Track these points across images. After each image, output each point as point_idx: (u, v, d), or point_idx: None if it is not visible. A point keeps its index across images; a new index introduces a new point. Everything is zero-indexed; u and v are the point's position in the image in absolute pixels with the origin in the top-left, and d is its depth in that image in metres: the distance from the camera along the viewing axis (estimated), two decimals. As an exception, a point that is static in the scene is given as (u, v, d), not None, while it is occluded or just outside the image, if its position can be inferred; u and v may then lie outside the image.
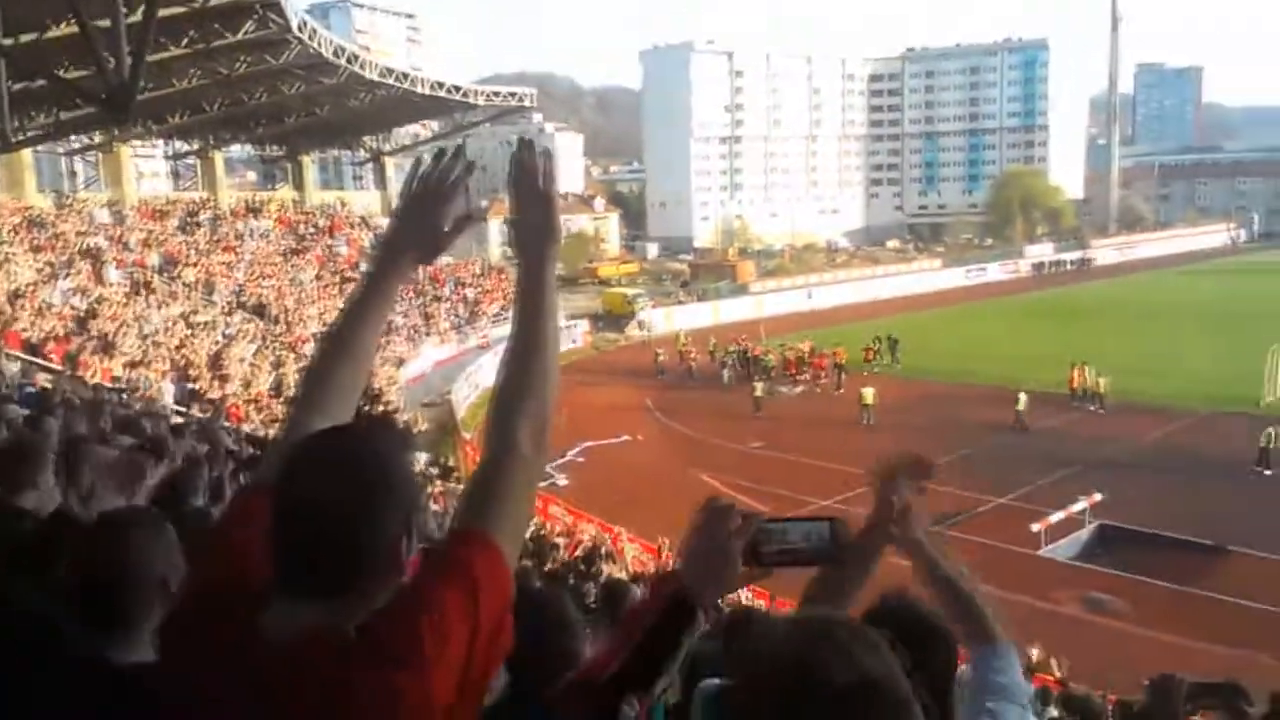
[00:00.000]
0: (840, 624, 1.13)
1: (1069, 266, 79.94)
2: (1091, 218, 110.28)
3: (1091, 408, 30.37)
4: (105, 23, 12.37)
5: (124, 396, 15.45)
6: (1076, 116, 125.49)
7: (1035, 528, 19.01)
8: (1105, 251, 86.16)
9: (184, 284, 31.03)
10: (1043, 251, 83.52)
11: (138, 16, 13.35)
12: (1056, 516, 19.41)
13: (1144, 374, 33.03)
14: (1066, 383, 31.56)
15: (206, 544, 1.64)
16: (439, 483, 19.19)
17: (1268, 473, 22.92)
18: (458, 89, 41.88)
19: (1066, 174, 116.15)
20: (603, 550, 16.25)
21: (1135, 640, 14.86)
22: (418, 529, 1.40)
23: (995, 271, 74.71)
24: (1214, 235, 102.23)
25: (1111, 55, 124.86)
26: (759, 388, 33.10)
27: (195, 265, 32.84)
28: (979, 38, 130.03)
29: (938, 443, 25.92)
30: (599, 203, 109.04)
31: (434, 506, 13.99)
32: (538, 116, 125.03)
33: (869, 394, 30.31)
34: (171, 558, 1.99)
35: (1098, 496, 20.18)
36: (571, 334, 48.26)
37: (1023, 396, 29.16)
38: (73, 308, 23.95)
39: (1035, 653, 12.62)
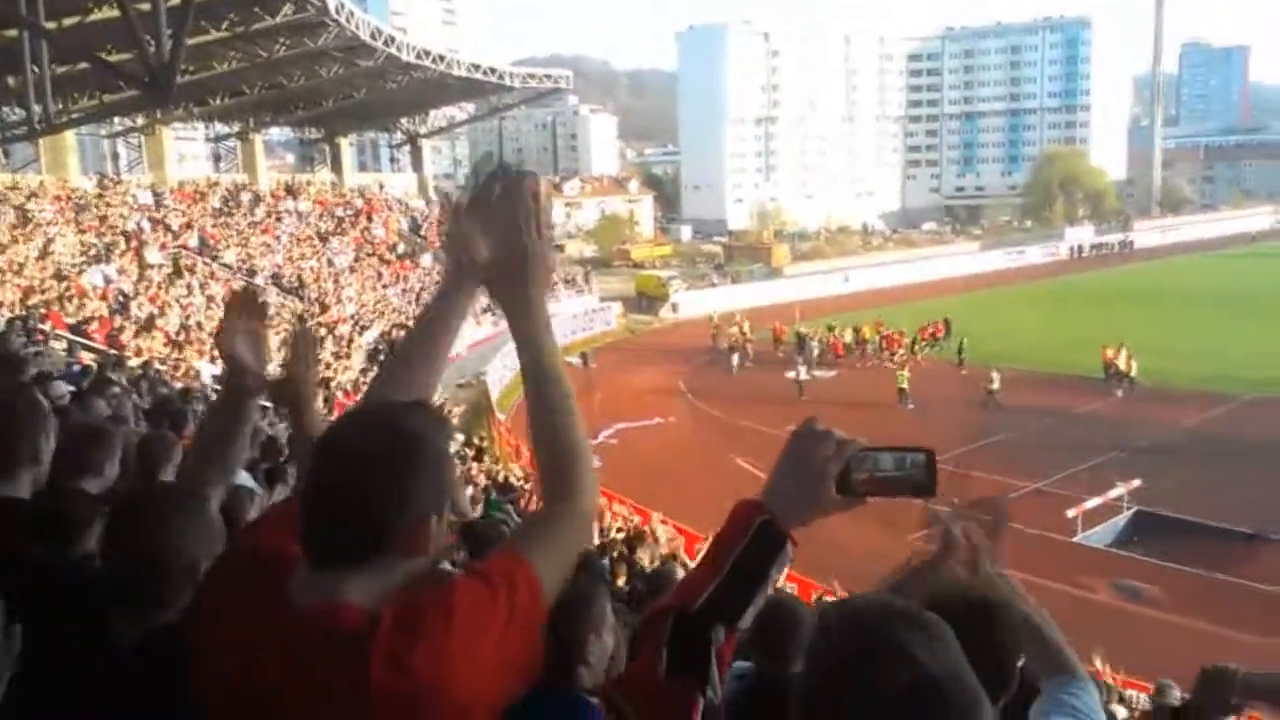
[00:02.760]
0: (899, 616, 1.05)
1: (1111, 249, 78.56)
2: (1134, 199, 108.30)
3: (1120, 391, 29.98)
4: (145, 6, 12.55)
5: (161, 375, 15.73)
6: (1119, 96, 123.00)
7: (1071, 514, 18.80)
8: (1148, 234, 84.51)
9: (223, 265, 31.46)
10: (1083, 234, 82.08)
11: (177, 0, 13.52)
12: (1093, 503, 19.18)
13: (1184, 358, 32.51)
14: (1103, 366, 31.12)
15: (265, 512, 1.69)
16: (473, 464, 19.36)
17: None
18: (493, 71, 41.90)
19: (1108, 155, 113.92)
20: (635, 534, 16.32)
21: (1168, 628, 14.69)
22: (447, 511, 1.43)
23: (1035, 254, 73.52)
24: (1259, 217, 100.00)
25: (1155, 33, 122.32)
26: (801, 371, 32.96)
27: (235, 246, 33.28)
28: (1020, 16, 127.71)
29: (976, 427, 25.82)
30: (633, 185, 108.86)
31: (468, 489, 14.09)
32: (572, 98, 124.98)
33: (903, 377, 30.23)
34: (206, 540, 1.96)
35: (1135, 482, 19.91)
36: (605, 316, 48.40)
37: (995, 375, 29.21)
38: (115, 288, 24.39)
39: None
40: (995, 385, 29.08)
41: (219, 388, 2.19)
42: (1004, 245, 76.77)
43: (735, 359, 37.42)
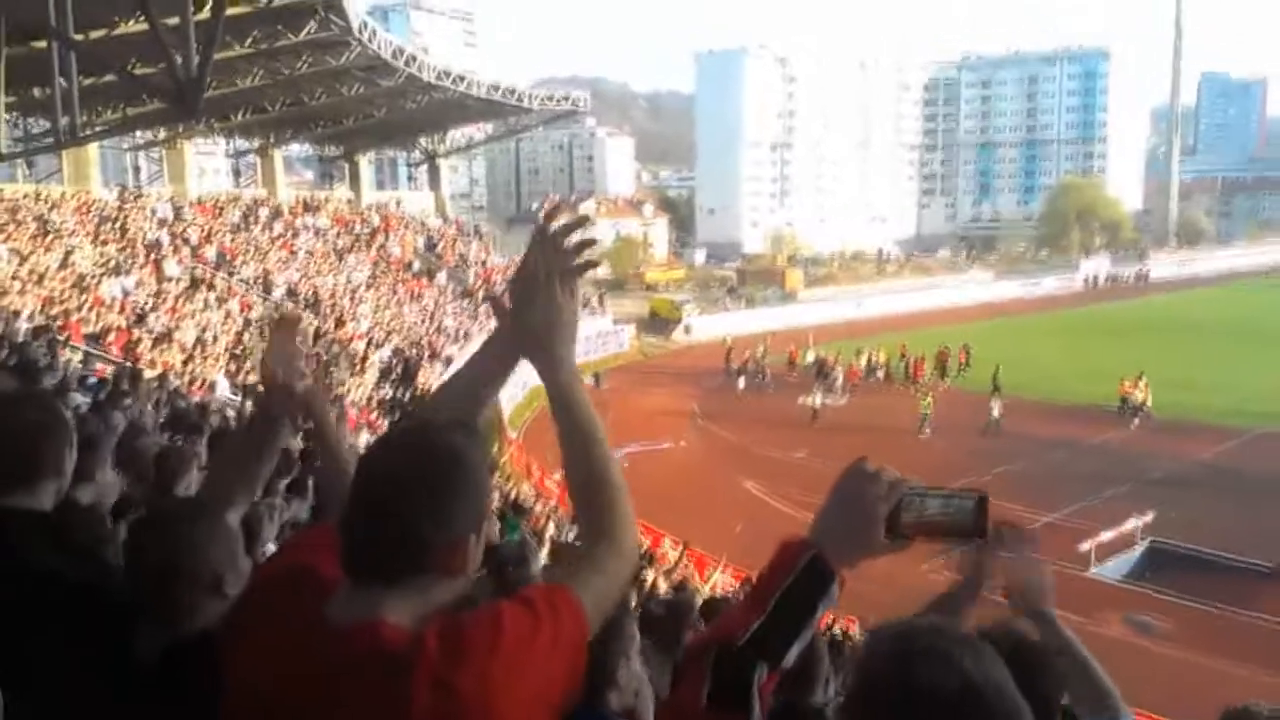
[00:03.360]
0: (944, 631, 1.10)
1: (1126, 280, 78.28)
2: (1151, 230, 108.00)
3: (1134, 422, 29.81)
4: (174, 20, 12.69)
5: (178, 388, 15.80)
6: (1137, 127, 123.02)
7: (1084, 546, 18.64)
8: (1164, 265, 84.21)
9: (241, 280, 31.65)
10: (1099, 264, 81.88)
11: (205, 14, 13.68)
12: (1107, 535, 19.03)
13: (1199, 390, 32.32)
14: (1119, 397, 30.95)
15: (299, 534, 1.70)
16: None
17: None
18: (512, 92, 42.19)
19: (1125, 186, 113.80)
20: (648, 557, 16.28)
21: (1182, 664, 14.52)
22: (485, 531, 1.45)
23: (1050, 284, 73.33)
24: (1276, 251, 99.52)
25: (1174, 64, 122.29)
26: (817, 396, 32.92)
27: (252, 261, 33.50)
28: (1038, 46, 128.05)
29: (990, 456, 25.69)
30: (648, 208, 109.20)
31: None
32: (590, 120, 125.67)
33: (926, 404, 30.17)
34: (225, 554, 1.95)
35: (1149, 515, 19.76)
36: (619, 338, 48.46)
37: (994, 404, 29.55)
38: (132, 300, 24.56)
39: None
40: (996, 414, 29.18)
41: (251, 406, 2.24)
42: (1019, 274, 76.64)
43: (742, 381, 37.38)
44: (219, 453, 4.54)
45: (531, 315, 1.66)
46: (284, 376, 2.09)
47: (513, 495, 18.02)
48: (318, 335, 26.45)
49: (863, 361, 38.14)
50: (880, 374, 38.31)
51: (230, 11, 19.90)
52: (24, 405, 2.57)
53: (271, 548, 4.53)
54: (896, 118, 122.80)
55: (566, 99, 47.74)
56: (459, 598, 1.42)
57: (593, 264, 1.72)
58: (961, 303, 62.46)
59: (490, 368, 1.82)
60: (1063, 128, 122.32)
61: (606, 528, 1.57)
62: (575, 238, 1.67)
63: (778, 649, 1.31)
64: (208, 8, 13.85)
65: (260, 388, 2.23)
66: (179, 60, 11.78)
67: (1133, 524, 19.55)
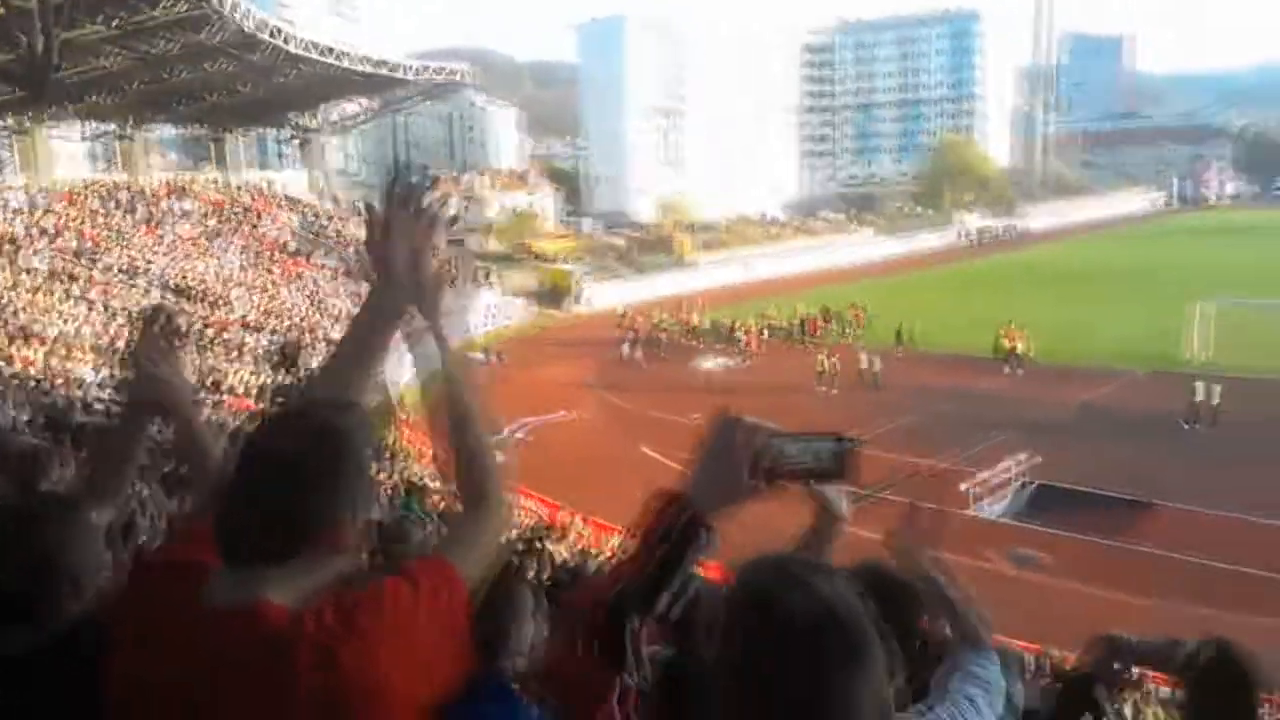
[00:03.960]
0: (802, 562, 1.18)
1: (999, 234, 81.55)
2: (1021, 185, 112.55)
3: (1014, 370, 31.05)
4: (24, 3, 11.86)
5: (41, 385, 14.95)
6: (1006, 86, 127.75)
7: (963, 487, 19.41)
8: (1034, 218, 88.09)
9: (105, 268, 30.09)
10: (973, 220, 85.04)
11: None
12: (985, 475, 19.85)
13: (1071, 337, 33.92)
14: (996, 347, 32.20)
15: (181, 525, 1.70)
16: (380, 464, 18.94)
17: (1197, 427, 23.62)
18: (389, 64, 41.07)
19: (995, 142, 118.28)
20: (545, 528, 16.25)
21: (1061, 594, 15.28)
22: (368, 511, 1.47)
23: (929, 240, 75.93)
24: (1138, 199, 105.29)
25: (1039, 24, 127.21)
26: (712, 360, 33.31)
27: (117, 249, 31.85)
28: (913, 9, 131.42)
29: (883, 409, 26.47)
30: (536, 178, 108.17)
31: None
32: (474, 92, 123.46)
33: (822, 361, 30.83)
34: (85, 552, 1.92)
35: (1026, 456, 20.68)
36: (512, 311, 48.01)
37: (864, 356, 30.70)
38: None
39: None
40: (865, 364, 30.25)
41: (122, 402, 2.21)
42: (899, 232, 78.97)
43: (626, 348, 37.56)
44: (87, 448, 4.41)
45: (402, 280, 1.69)
46: (152, 370, 2.05)
47: (407, 474, 17.72)
48: (189, 326, 25.31)
49: (757, 323, 38.70)
50: (778, 335, 38.96)
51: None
52: None
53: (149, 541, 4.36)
54: (780, 82, 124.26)
55: (446, 70, 46.75)
56: (341, 576, 1.44)
57: (448, 222, 1.75)
58: (847, 262, 64.05)
59: (366, 342, 1.83)
60: (937, 88, 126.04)
61: (479, 490, 1.61)
62: (428, 201, 1.68)
63: (648, 599, 1.35)
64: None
65: (129, 381, 2.20)
66: (25, 42, 11.04)
67: (1011, 464, 20.43)
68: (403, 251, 1.66)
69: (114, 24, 24.53)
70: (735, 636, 1.12)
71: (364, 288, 1.83)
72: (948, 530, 2.16)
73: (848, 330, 38.35)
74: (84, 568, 1.89)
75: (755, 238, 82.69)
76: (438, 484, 19.85)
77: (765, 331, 38.60)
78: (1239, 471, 20.00)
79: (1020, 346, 31.68)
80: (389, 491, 12.88)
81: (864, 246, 71.89)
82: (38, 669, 1.74)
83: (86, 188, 36.23)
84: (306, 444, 1.40)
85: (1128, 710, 8.27)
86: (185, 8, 25.53)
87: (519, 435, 26.78)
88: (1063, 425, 24.60)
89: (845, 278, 55.29)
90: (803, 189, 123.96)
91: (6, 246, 27.14)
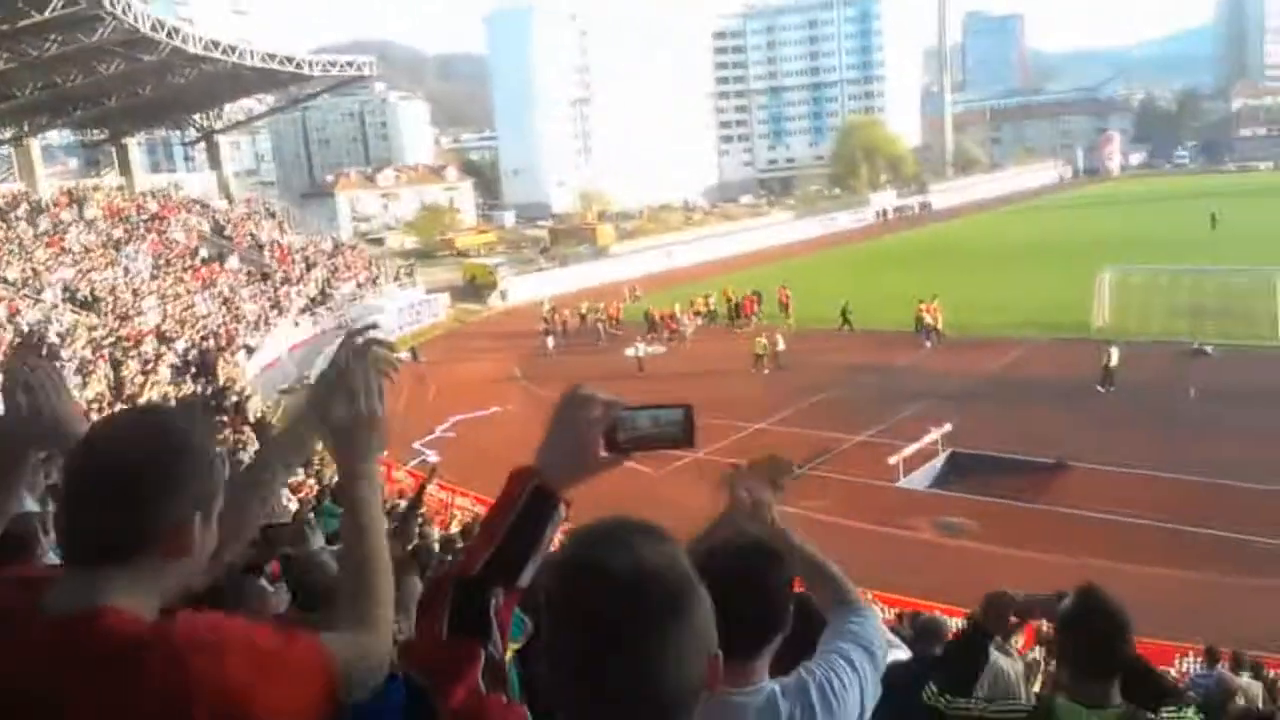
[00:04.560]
0: (626, 523, 1.20)
1: (912, 211, 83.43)
2: (930, 163, 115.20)
3: (929, 344, 31.85)
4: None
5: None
6: (911, 66, 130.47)
7: (892, 460, 19.90)
8: (944, 195, 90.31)
9: (6, 282, 28.86)
10: (886, 199, 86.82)
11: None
12: (911, 449, 20.37)
13: (983, 309, 34.92)
14: (915, 321, 32.99)
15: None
16: (300, 472, 18.57)
17: (1112, 390, 24.54)
18: (290, 60, 40.08)
19: (904, 122, 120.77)
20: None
21: (986, 558, 15.78)
22: (215, 513, 1.43)
23: (844, 220, 77.22)
24: (1043, 173, 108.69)
25: (940, 4, 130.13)
26: (640, 348, 33.42)
27: (17, 261, 30.55)
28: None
29: (806, 388, 26.94)
30: (450, 173, 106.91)
31: (292, 496, 13.41)
32: (380, 86, 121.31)
33: (761, 344, 31.02)
34: None
35: (948, 426, 21.23)
36: (433, 308, 47.44)
37: (762, 339, 31.12)
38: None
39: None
40: (763, 349, 30.62)
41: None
42: (816, 214, 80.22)
43: (550, 341, 37.51)
44: None
45: (338, 416, 1.66)
46: (26, 400, 1.88)
47: (332, 481, 17.35)
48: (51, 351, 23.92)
49: (683, 309, 38.91)
50: (708, 319, 39.18)
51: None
52: None
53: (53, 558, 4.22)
54: (689, 68, 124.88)
55: (350, 64, 45.85)
56: (187, 581, 1.41)
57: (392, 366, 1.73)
58: (767, 244, 64.73)
59: (285, 454, 1.82)
60: (844, 69, 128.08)
61: (366, 612, 1.57)
62: (380, 351, 1.71)
63: (511, 573, 1.37)
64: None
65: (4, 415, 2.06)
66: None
67: (933, 435, 21.00)
68: (343, 402, 1.66)
69: (2, 26, 23.49)
70: (555, 593, 1.16)
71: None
72: (783, 480, 2.25)
73: (779, 313, 38.62)
74: None
75: (676, 225, 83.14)
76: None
77: (695, 316, 38.82)
78: (1140, 432, 20.98)
79: (934, 320, 32.49)
80: (314, 498, 12.58)
81: (782, 229, 72.67)
82: None
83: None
84: (152, 442, 1.37)
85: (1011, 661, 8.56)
86: (71, 8, 24.52)
87: (448, 433, 26.56)
88: (976, 393, 25.37)
89: (765, 260, 55.90)
90: (722, 174, 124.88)
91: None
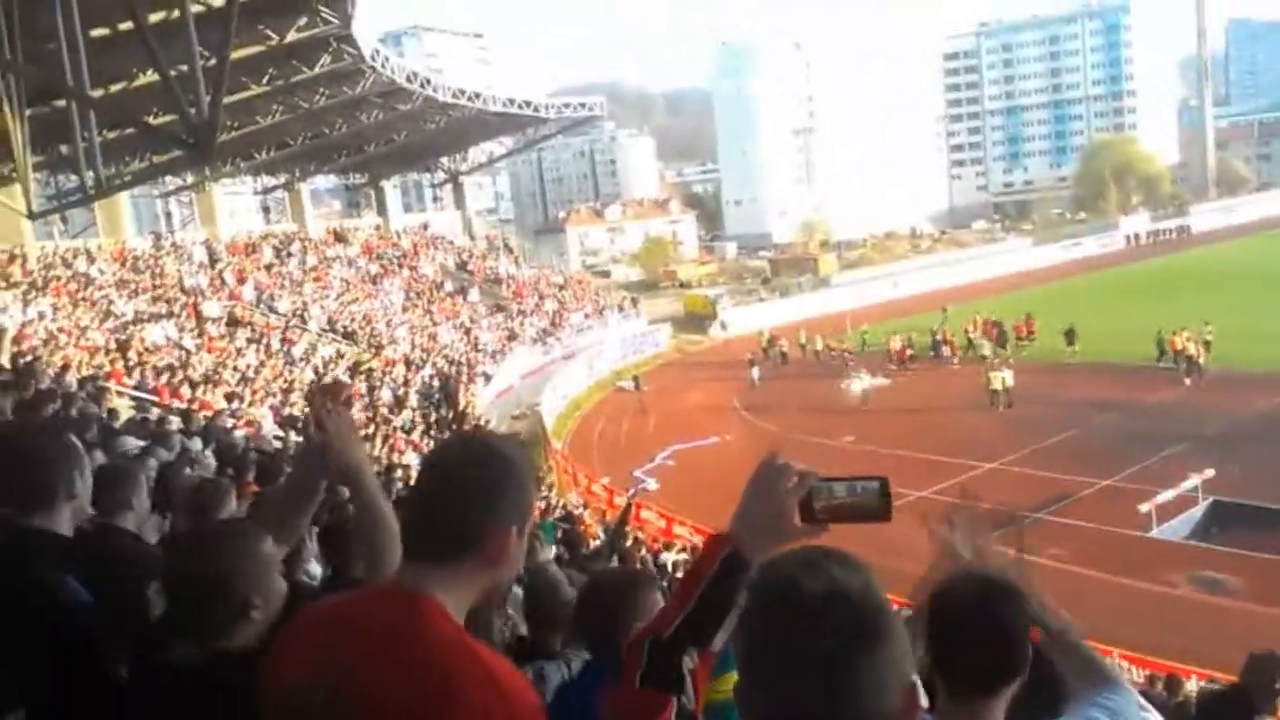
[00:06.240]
0: (824, 550, 1.23)
1: (1168, 235, 76.64)
2: (1189, 182, 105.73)
3: (1188, 380, 29.04)
4: (185, 68, 12.92)
5: (223, 427, 16.02)
6: (1165, 79, 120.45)
7: (1144, 508, 18.26)
8: (1205, 217, 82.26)
9: (278, 315, 32.12)
10: (1139, 221, 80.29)
11: (215, 61, 13.90)
12: (1166, 495, 18.62)
13: (1250, 340, 31.36)
14: (1171, 353, 30.23)
15: None
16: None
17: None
18: (528, 104, 42.42)
19: (1159, 139, 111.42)
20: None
21: (1250, 618, 14.13)
22: (528, 529, 1.64)
23: (1090, 245, 71.87)
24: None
25: (1198, 12, 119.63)
26: (865, 379, 32.77)
27: (289, 296, 33.97)
28: (1056, 8, 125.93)
29: (1043, 425, 25.31)
30: (674, 206, 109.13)
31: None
32: (609, 124, 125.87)
33: (998, 379, 29.15)
34: (257, 576, 2.02)
35: (1209, 472, 19.25)
36: (655, 338, 48.54)
37: (993, 376, 29.00)
38: (174, 344, 25.00)
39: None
40: (1001, 384, 28.62)
41: (295, 464, 2.79)
42: (1058, 239, 75.38)
43: (756, 372, 37.22)
44: (261, 502, 4.73)
45: (350, 456, 2.16)
46: (329, 438, 2.19)
47: (559, 504, 18.17)
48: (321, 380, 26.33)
49: (901, 342, 37.68)
50: (945, 350, 37.66)
51: (244, 52, 20.28)
52: (37, 434, 2.81)
53: (315, 568, 4.61)
54: (919, 91, 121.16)
55: (582, 105, 47.91)
56: (500, 586, 1.67)
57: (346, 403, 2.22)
58: (1002, 272, 61.40)
59: (303, 488, 2.32)
60: (1090, 85, 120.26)
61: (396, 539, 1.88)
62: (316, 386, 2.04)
63: (704, 634, 1.43)
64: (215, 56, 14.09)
65: (305, 450, 2.47)
66: (190, 107, 11.99)
67: (1192, 482, 19.10)
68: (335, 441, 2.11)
69: (276, 82, 26.18)
70: (750, 615, 1.20)
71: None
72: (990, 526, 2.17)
73: (1007, 345, 36.42)
74: (256, 592, 1.99)
75: (902, 252, 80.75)
76: (587, 512, 20.23)
77: (931, 347, 37.51)
78: None
79: (1192, 352, 29.63)
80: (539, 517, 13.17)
81: (1018, 255, 68.60)
82: (202, 686, 1.87)
83: (260, 239, 38.90)
84: (477, 458, 1.58)
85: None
86: (337, 63, 27.00)
87: (668, 461, 26.96)
88: (1241, 436, 22.77)
89: (999, 288, 53.06)
90: (952, 199, 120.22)
91: (190, 298, 29.39)
